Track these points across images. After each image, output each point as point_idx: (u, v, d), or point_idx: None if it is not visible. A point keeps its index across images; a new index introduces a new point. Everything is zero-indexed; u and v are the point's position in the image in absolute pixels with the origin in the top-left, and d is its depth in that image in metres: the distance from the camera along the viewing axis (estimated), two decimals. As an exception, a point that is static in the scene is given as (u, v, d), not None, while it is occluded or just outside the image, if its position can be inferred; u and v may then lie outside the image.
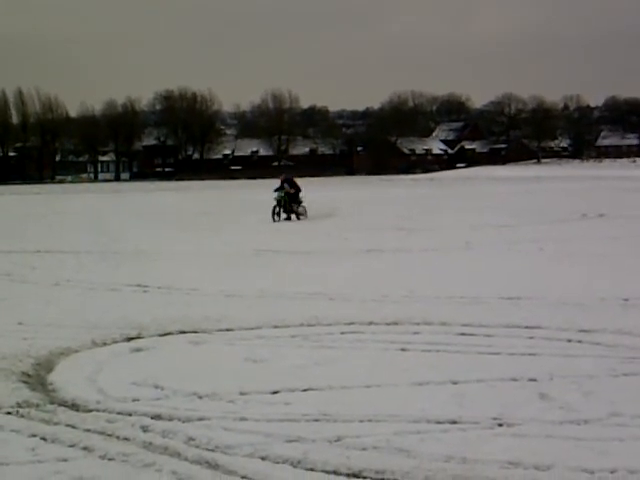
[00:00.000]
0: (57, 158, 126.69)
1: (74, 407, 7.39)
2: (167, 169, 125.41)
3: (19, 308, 12.56)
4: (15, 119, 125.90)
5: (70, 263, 18.90)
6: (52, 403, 7.55)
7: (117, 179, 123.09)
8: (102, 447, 6.27)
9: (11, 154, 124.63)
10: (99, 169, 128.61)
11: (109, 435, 6.57)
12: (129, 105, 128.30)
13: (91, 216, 36.80)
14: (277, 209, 31.22)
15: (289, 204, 31.55)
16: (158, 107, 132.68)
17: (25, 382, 8.28)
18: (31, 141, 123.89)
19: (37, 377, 8.50)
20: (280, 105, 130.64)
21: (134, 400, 7.51)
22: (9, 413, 7.21)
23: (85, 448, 6.27)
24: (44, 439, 6.51)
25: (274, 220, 30.50)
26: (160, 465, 5.91)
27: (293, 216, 31.61)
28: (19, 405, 7.42)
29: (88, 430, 6.68)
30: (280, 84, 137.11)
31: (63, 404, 7.50)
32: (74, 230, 29.37)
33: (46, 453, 6.20)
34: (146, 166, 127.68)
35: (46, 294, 14.14)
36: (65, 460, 6.04)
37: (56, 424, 6.88)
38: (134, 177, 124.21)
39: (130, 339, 10.18)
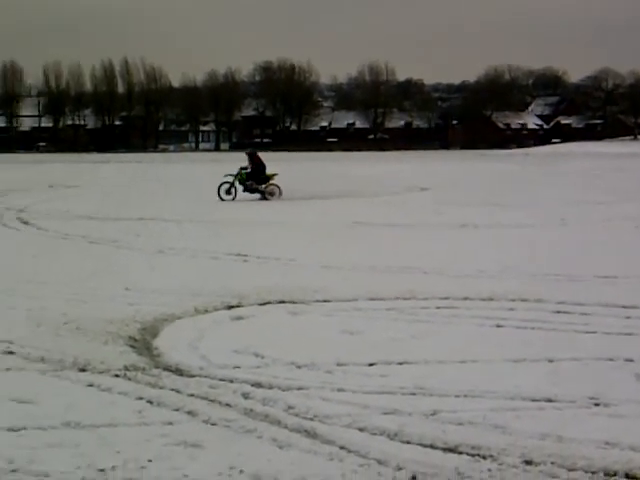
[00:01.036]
0: (160, 127, 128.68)
1: (178, 372, 7.54)
2: (265, 140, 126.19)
3: (125, 274, 12.84)
4: (121, 89, 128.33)
5: (172, 231, 19.22)
6: (157, 367, 7.71)
7: (217, 149, 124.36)
8: (205, 412, 6.39)
9: (116, 123, 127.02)
10: (200, 139, 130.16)
11: (212, 400, 6.68)
12: (230, 76, 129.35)
13: (191, 184, 37.27)
14: (227, 186, 28.51)
15: (247, 181, 28.71)
16: (257, 78, 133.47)
17: (132, 346, 8.47)
18: (135, 110, 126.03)
19: (143, 342, 8.69)
20: (377, 77, 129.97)
21: (235, 367, 7.62)
22: (117, 376, 7.39)
23: (189, 412, 6.39)
24: (150, 402, 6.66)
25: (220, 198, 28.05)
26: (260, 432, 5.99)
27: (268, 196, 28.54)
28: (126, 368, 7.60)
29: (192, 395, 6.81)
30: (377, 56, 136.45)
31: (168, 369, 7.65)
32: (176, 198, 29.80)
33: (152, 416, 6.35)
34: (245, 136, 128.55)
35: (150, 261, 14.43)
36: (170, 423, 6.17)
37: (161, 388, 7.03)
38: (233, 147, 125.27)
39: (231, 307, 10.32)
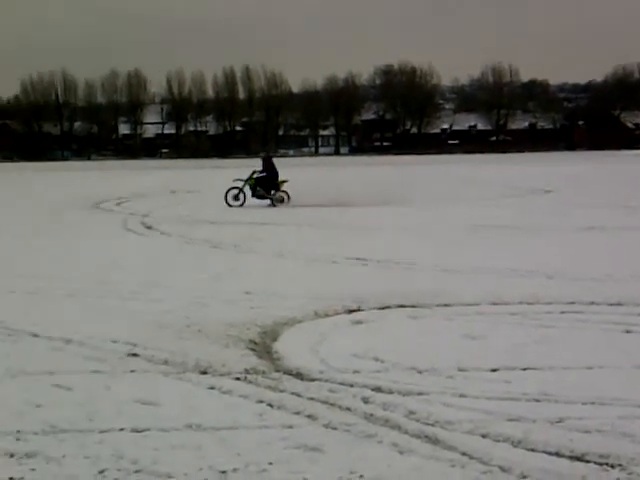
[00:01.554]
0: (280, 132, 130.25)
1: (298, 376, 7.59)
2: (385, 143, 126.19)
3: (246, 278, 13.02)
4: (242, 95, 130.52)
5: (292, 235, 19.41)
6: (277, 371, 7.78)
7: (337, 153, 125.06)
8: (325, 416, 6.41)
9: (237, 129, 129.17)
10: (319, 143, 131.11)
11: (332, 404, 6.70)
12: (350, 80, 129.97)
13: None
14: (235, 192, 28.61)
15: (256, 188, 28.59)
16: (377, 81, 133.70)
17: (252, 350, 8.58)
18: (256, 116, 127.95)
19: (263, 345, 8.78)
20: (500, 78, 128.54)
21: (355, 372, 7.63)
22: (238, 379, 7.49)
23: (309, 416, 6.43)
24: (270, 405, 6.72)
25: (228, 204, 28.15)
26: (381, 437, 5.98)
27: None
28: (247, 372, 7.70)
29: (312, 398, 6.85)
30: (500, 57, 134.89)
31: (288, 372, 7.71)
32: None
33: (272, 419, 6.40)
34: (365, 140, 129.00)
35: (271, 265, 14.60)
36: (290, 427, 6.21)
37: (281, 391, 7.09)
38: (353, 151, 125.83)
39: (351, 311, 10.33)
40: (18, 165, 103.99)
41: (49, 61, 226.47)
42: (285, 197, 28.78)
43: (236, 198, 28.63)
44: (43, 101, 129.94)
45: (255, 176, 28.87)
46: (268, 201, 28.75)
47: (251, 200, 28.56)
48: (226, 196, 28.63)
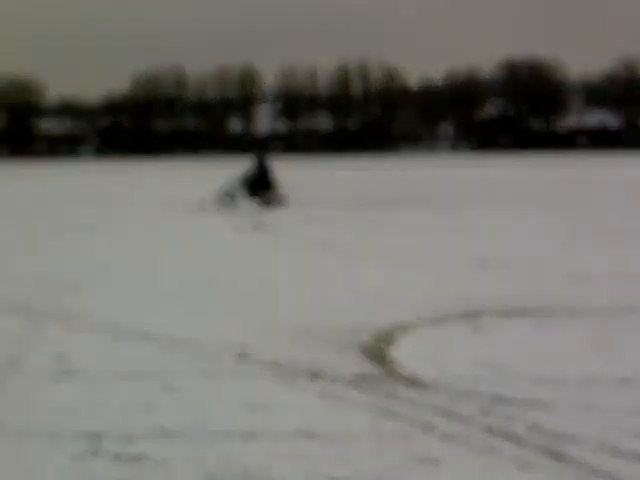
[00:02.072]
0: (395, 129, 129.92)
1: (413, 383, 7.53)
2: (507, 141, 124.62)
3: (360, 280, 13.02)
4: (357, 91, 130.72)
5: (409, 236, 19.33)
6: (392, 377, 7.75)
7: (455, 151, 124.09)
8: (442, 426, 6.35)
9: (352, 126, 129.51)
10: (437, 140, 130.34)
11: (449, 414, 6.63)
12: (470, 75, 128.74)
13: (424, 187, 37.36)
14: (227, 199, 27.39)
15: (250, 187, 27.49)
16: (500, 76, 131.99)
17: (366, 355, 8.57)
18: (371, 113, 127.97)
19: (377, 350, 8.76)
20: (632, 73, 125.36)
21: (474, 380, 7.54)
22: (350, 384, 7.49)
23: (425, 425, 6.37)
24: (384, 413, 6.69)
25: (218, 210, 26.69)
26: (500, 450, 5.88)
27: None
28: (360, 377, 7.69)
29: (428, 407, 6.79)
30: (633, 50, 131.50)
31: (402, 379, 7.67)
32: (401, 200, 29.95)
33: (386, 427, 6.37)
34: (485, 138, 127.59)
35: (385, 267, 14.56)
36: (405, 436, 6.17)
37: (396, 399, 7.05)
38: (472, 149, 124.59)
39: (470, 317, 10.23)
40: (129, 162, 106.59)
41: (163, 57, 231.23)
42: (281, 199, 27.29)
43: (227, 203, 27.13)
44: (155, 97, 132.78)
45: (244, 176, 27.64)
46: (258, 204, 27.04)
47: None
48: (217, 201, 27.31)
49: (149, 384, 7.55)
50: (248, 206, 26.95)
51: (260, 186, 27.46)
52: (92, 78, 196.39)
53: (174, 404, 6.97)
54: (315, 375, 7.79)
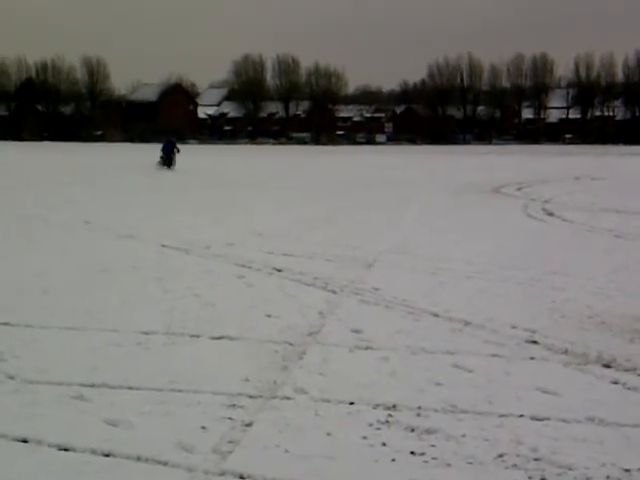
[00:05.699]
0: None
1: None
2: None
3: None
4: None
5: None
6: None
7: None
8: None
9: None
10: None
11: None
12: None
13: None
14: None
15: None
16: None
17: None
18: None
19: None
20: None
21: None
22: None
23: None
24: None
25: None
26: None
27: None
28: None
29: None
30: None
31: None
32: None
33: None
34: None
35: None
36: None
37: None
38: None
39: None
40: (421, 148, 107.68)
41: (457, 45, 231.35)
42: None
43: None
44: (448, 85, 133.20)
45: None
46: None
47: None
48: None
49: (440, 361, 7.59)
50: None
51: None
52: (389, 68, 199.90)
53: (464, 382, 6.97)
54: (607, 364, 7.54)
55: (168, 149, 44.05)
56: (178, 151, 44.04)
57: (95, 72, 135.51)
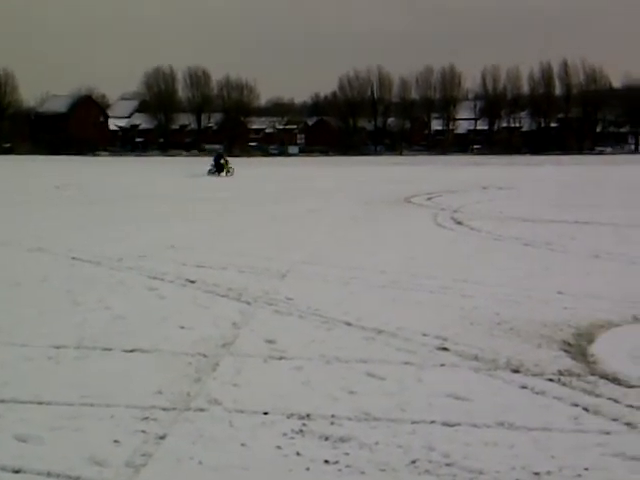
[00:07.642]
0: (597, 129, 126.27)
1: (616, 381, 7.29)
2: None
3: (559, 277, 12.72)
4: (558, 90, 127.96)
5: (609, 235, 18.70)
6: (593, 375, 7.52)
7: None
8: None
9: (552, 125, 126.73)
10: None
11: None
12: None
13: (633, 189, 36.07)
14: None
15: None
16: None
17: (566, 351, 8.36)
18: (572, 112, 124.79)
19: (577, 347, 8.53)
20: None
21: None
22: (551, 380, 7.33)
23: (629, 424, 6.16)
24: (586, 409, 6.51)
25: None
26: None
27: None
28: (560, 373, 7.52)
29: (631, 406, 6.56)
30: None
31: (604, 377, 7.43)
32: (604, 202, 29.00)
33: (588, 424, 6.20)
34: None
35: (585, 265, 14.16)
36: (607, 433, 5.98)
37: (598, 396, 6.85)
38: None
39: (674, 316, 9.81)
40: (333, 159, 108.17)
41: (366, 58, 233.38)
42: None
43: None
44: (359, 97, 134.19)
45: None
46: None
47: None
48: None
49: (353, 370, 7.61)
50: None
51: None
52: (300, 81, 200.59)
53: (377, 390, 7.00)
54: (515, 369, 7.66)
55: (217, 160, 55.67)
56: (226, 162, 55.32)
57: (2, 84, 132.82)
